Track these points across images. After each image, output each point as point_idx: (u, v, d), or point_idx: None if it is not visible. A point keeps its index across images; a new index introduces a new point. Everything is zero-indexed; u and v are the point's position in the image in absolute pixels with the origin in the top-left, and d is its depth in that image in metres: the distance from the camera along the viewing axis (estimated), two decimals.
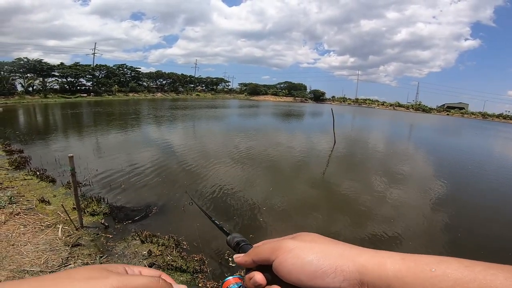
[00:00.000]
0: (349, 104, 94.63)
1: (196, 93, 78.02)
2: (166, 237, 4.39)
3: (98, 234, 4.33)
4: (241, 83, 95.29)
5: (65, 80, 51.11)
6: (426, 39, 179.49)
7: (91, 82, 56.10)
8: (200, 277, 3.59)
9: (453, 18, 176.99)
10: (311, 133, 19.81)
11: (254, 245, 0.51)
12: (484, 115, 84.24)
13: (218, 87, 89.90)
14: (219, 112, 33.33)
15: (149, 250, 3.98)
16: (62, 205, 4.64)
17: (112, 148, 10.63)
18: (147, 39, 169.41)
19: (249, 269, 0.47)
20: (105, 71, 60.54)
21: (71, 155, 4.22)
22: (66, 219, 4.53)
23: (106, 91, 54.78)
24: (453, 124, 47.02)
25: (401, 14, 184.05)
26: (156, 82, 73.10)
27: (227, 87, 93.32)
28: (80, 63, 56.64)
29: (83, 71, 52.92)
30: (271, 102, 72.39)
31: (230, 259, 4.00)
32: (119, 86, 59.08)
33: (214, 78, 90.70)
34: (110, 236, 4.33)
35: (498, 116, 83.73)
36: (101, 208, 5.20)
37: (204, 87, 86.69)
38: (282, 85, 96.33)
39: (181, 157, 9.84)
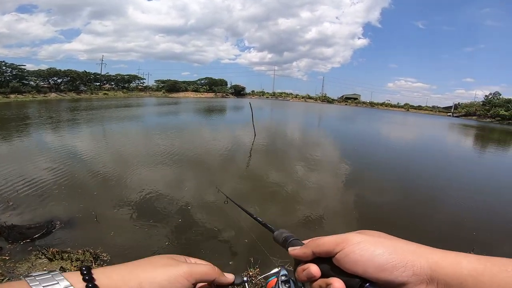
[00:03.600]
0: (267, 97, 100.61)
1: (104, 92, 68.89)
2: (80, 251, 4.04)
3: None
4: (158, 80, 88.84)
5: None
6: (330, 38, 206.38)
7: None
8: None
9: (351, 18, 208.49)
10: (232, 127, 20.42)
11: (307, 240, 0.51)
12: (372, 104, 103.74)
13: (131, 85, 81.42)
14: (133, 111, 30.49)
15: (61, 267, 3.61)
16: None
17: None
18: (37, 34, 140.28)
19: (298, 263, 0.47)
20: None
21: None
22: None
23: None
24: (350, 113, 55.95)
25: (312, 14, 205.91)
26: (48, 81, 61.13)
27: (141, 84, 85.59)
28: None
29: None
30: (192, 99, 70.34)
31: None
32: None
33: (126, 75, 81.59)
34: (7, 258, 3.74)
35: (382, 104, 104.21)
36: None
37: (113, 85, 77.25)
38: (203, 81, 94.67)
39: (87, 163, 8.78)
